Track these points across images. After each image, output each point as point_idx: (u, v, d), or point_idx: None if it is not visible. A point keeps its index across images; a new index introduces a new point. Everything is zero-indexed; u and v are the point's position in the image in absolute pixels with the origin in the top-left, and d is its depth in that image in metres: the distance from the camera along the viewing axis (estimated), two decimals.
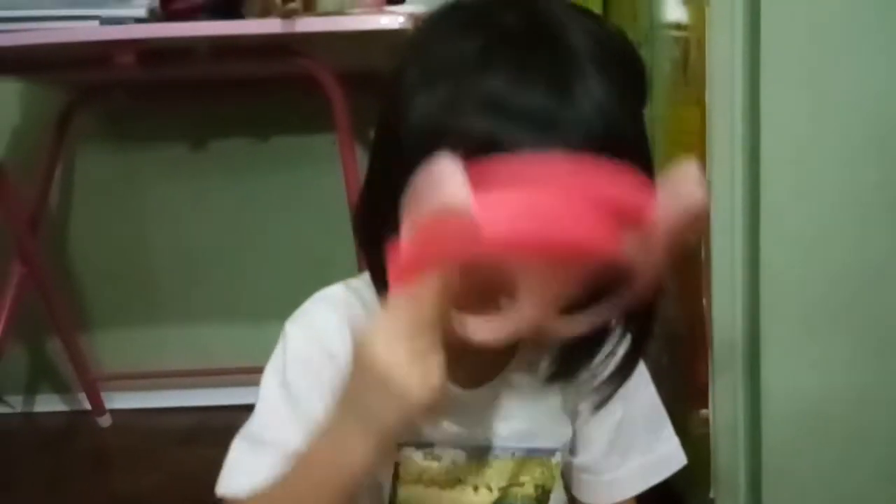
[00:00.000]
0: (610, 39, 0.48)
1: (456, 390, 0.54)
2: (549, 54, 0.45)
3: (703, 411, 0.79)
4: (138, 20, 1.00)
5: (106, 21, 0.98)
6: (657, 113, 0.84)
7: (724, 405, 0.73)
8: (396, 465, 0.56)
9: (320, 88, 1.06)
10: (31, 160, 1.37)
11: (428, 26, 0.50)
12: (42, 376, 1.56)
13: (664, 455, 0.59)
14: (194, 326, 1.54)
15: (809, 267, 0.68)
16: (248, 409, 1.63)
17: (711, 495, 0.75)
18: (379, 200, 0.49)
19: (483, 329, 0.46)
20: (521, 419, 0.56)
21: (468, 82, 0.44)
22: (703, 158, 0.71)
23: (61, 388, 1.55)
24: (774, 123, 0.66)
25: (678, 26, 0.77)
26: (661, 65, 0.83)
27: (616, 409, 0.57)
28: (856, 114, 0.65)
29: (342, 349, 0.53)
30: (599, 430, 0.58)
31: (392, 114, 0.48)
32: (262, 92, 1.40)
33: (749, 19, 0.67)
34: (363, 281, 0.56)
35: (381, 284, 0.52)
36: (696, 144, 0.71)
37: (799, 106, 0.66)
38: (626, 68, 0.47)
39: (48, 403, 1.55)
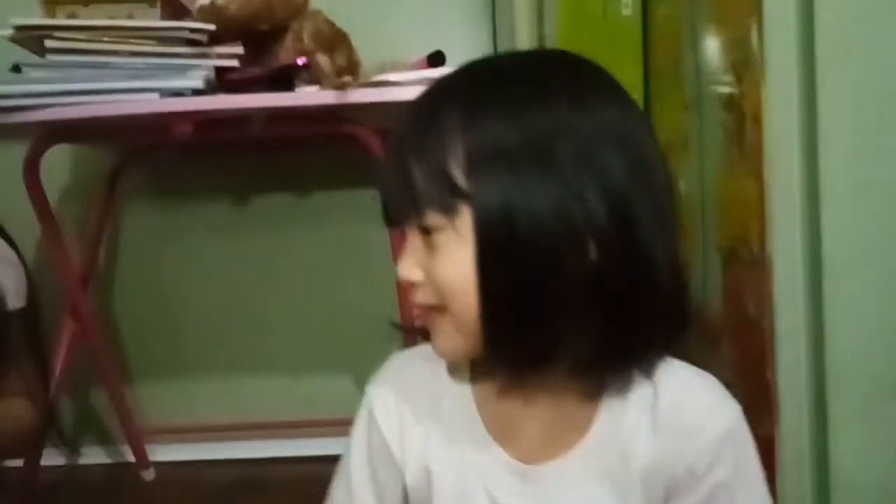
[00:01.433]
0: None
1: (517, 464, 0.54)
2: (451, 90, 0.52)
3: None
4: (195, 91, 1.04)
5: (165, 93, 1.02)
6: (713, 178, 0.85)
7: (792, 487, 0.71)
8: None
9: (367, 150, 1.08)
10: (81, 217, 1.41)
11: None
12: (87, 428, 1.58)
13: None
14: (235, 379, 1.55)
15: (874, 342, 0.67)
16: (291, 461, 1.63)
17: None
18: None
19: (434, 343, 0.53)
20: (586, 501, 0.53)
21: None
22: (761, 231, 0.71)
23: (106, 441, 1.57)
24: (834, 199, 0.67)
25: (731, 97, 0.78)
26: (711, 132, 0.84)
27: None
28: None
29: (409, 402, 0.57)
30: None
31: None
32: (303, 149, 1.44)
33: (805, 97, 0.67)
34: None
35: None
36: (755, 217, 0.72)
37: (857, 181, 0.67)
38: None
39: (93, 456, 1.57)
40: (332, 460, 0.61)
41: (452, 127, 0.49)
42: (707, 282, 0.87)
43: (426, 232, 0.50)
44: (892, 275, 0.67)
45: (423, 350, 0.58)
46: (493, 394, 0.55)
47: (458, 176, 0.48)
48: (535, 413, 0.54)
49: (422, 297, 0.51)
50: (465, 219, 0.48)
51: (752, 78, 0.71)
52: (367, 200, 1.44)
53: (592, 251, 0.47)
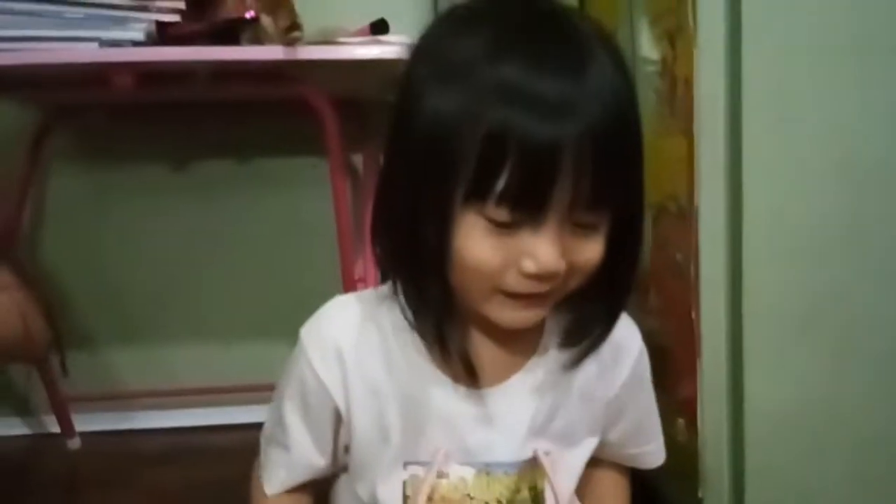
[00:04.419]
0: (603, 29, 0.52)
1: (467, 390, 0.56)
2: (560, 42, 0.47)
3: (680, 420, 0.85)
4: (136, 43, 1.02)
5: (105, 43, 1.00)
6: (645, 138, 0.91)
7: (711, 412, 0.79)
8: (404, 485, 0.57)
9: (315, 113, 1.09)
10: (2, 179, 1.35)
11: (435, 28, 0.53)
12: (5, 399, 1.52)
13: (657, 448, 0.67)
14: (167, 348, 1.53)
15: (788, 285, 0.75)
16: (222, 429, 1.62)
17: (700, 495, 0.81)
18: (396, 202, 0.52)
19: (516, 317, 0.52)
20: (536, 422, 0.57)
21: (482, 73, 0.46)
22: (689, 186, 0.78)
23: (26, 412, 1.51)
24: (754, 156, 0.74)
25: (664, 62, 0.84)
26: (645, 96, 0.90)
27: (631, 413, 0.63)
28: (824, 150, 0.74)
29: (351, 343, 0.57)
30: (615, 430, 0.63)
31: (405, 114, 0.50)
32: (243, 115, 1.42)
33: (732, 61, 0.74)
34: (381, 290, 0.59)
35: (397, 282, 0.55)
36: (685, 171, 0.78)
37: (775, 140, 0.74)
38: (621, 55, 0.51)
39: (12, 427, 1.51)
40: None
41: (637, 123, 0.51)
42: None
43: (582, 226, 0.49)
44: (804, 227, 0.75)
45: (359, 294, 0.60)
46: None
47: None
48: (482, 341, 0.57)
49: (545, 285, 0.50)
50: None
51: (685, 44, 0.77)
52: (307, 169, 1.47)
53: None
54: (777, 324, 0.76)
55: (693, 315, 0.77)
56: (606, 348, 0.59)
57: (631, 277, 0.55)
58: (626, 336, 0.61)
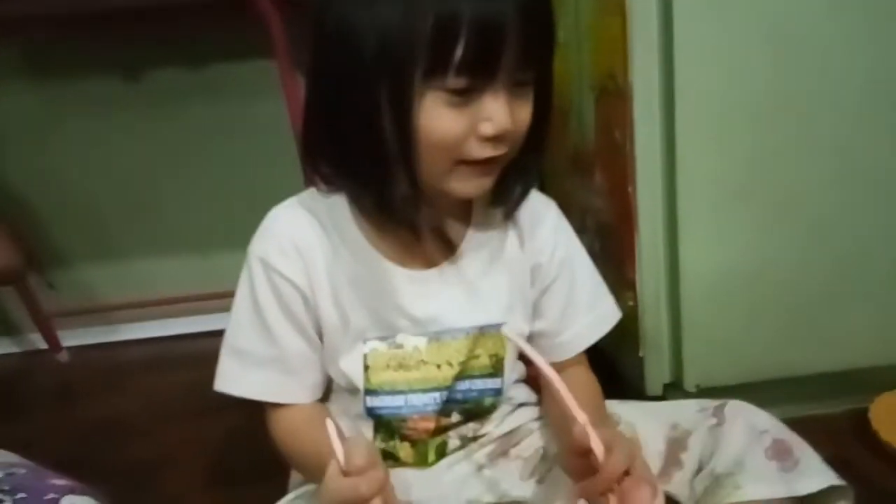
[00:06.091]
0: None
1: (412, 272, 0.62)
2: None
3: (629, 292, 0.91)
4: None
5: None
6: (586, 21, 0.92)
7: (649, 278, 0.84)
8: (365, 357, 0.62)
9: (258, 13, 1.08)
10: None
11: None
12: None
13: (605, 311, 0.70)
14: (140, 259, 1.56)
15: (721, 156, 0.78)
16: (205, 336, 1.67)
17: (641, 354, 0.88)
18: (346, 106, 0.55)
19: (476, 185, 0.57)
20: (474, 294, 0.63)
21: None
22: (625, 63, 0.80)
23: (12, 331, 1.56)
24: (685, 28, 0.75)
25: None
26: None
27: (563, 281, 0.67)
28: (754, 21, 0.75)
29: (301, 235, 0.61)
30: (552, 300, 0.67)
31: (344, 24, 0.52)
32: (192, 20, 1.39)
33: None
34: (310, 193, 0.63)
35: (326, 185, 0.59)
36: (620, 50, 0.79)
37: (705, 14, 0.75)
38: None
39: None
40: None
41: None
42: (583, 120, 0.96)
43: (520, 85, 0.54)
44: (736, 99, 0.77)
45: (296, 199, 0.63)
46: (378, 222, 0.61)
47: None
48: (422, 230, 0.61)
49: (500, 147, 0.55)
50: None
51: None
52: (258, 72, 1.45)
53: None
54: (711, 194, 0.80)
55: (630, 190, 0.81)
56: (525, 219, 0.66)
57: (543, 140, 0.60)
58: (541, 209, 0.68)
